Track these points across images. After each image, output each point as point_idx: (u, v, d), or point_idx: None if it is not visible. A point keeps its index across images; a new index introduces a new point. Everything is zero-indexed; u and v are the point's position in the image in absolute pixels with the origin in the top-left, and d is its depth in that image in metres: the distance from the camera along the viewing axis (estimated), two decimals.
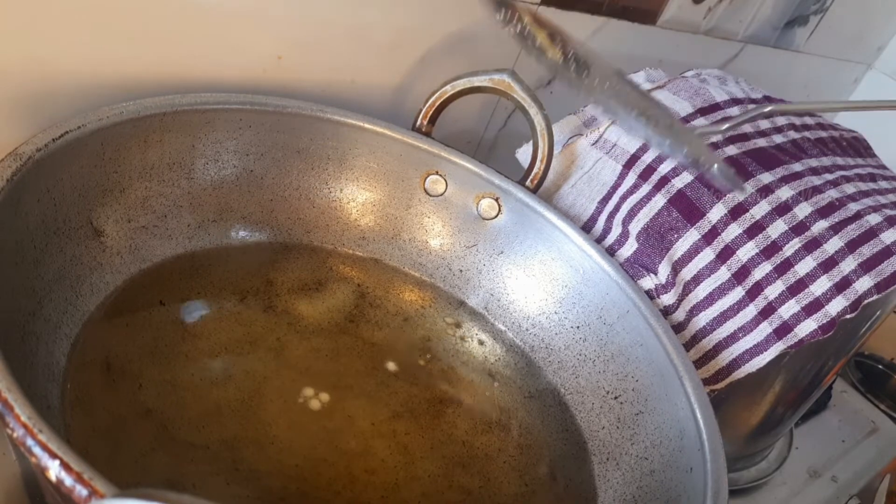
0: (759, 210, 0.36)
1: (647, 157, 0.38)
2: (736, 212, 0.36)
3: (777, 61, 0.70)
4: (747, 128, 0.40)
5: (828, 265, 0.36)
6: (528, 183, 0.39)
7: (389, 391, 0.34)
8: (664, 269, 0.37)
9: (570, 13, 0.48)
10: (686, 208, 0.37)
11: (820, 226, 0.36)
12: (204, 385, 0.30)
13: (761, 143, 0.40)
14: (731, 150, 0.38)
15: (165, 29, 0.34)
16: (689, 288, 0.37)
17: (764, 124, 0.41)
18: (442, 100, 0.39)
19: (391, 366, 0.35)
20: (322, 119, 0.38)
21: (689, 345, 0.37)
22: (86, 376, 0.28)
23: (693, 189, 0.37)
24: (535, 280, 0.40)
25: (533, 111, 0.38)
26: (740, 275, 0.36)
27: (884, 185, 0.43)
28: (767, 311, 0.36)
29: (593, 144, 0.40)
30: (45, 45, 0.31)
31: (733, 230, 0.36)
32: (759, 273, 0.36)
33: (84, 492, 0.18)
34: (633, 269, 0.38)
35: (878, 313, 0.41)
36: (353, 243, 0.40)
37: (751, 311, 0.36)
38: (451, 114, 0.40)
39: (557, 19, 0.48)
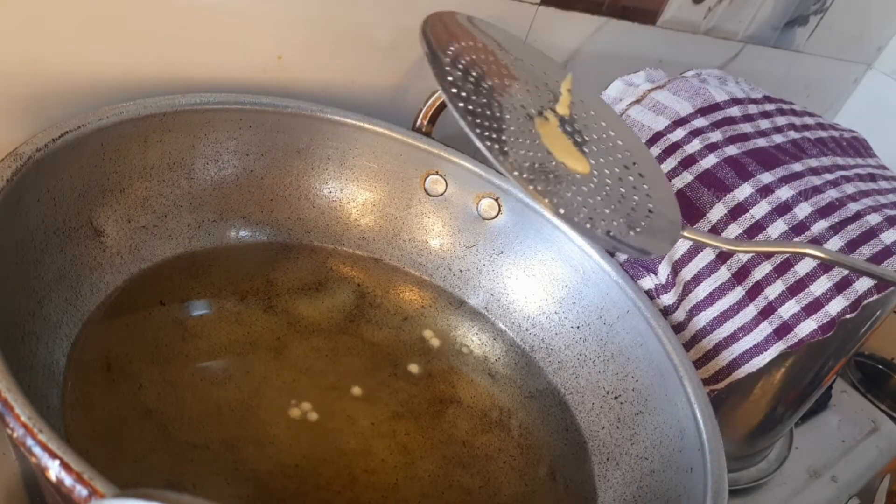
0: (759, 210, 0.36)
1: None
2: (736, 212, 0.36)
3: (777, 61, 0.70)
4: (747, 127, 0.40)
5: (828, 265, 0.36)
6: None
7: (389, 391, 0.34)
8: (664, 269, 0.37)
9: (569, 13, 0.48)
10: (686, 208, 0.37)
11: (820, 226, 0.36)
12: (204, 385, 0.30)
13: (761, 142, 0.40)
14: (732, 149, 0.38)
15: (165, 29, 0.34)
16: (689, 288, 0.37)
17: (764, 124, 0.41)
18: (442, 100, 0.39)
19: (390, 366, 0.35)
20: (322, 119, 0.38)
21: (689, 345, 0.37)
22: (86, 376, 0.28)
23: (693, 189, 0.37)
24: (535, 280, 0.40)
25: None
26: (740, 275, 0.36)
27: (884, 185, 0.43)
28: (767, 311, 0.36)
29: None
30: (45, 45, 0.31)
31: (733, 230, 0.36)
32: (759, 273, 0.36)
33: (84, 492, 0.18)
34: (633, 269, 0.38)
35: (877, 313, 0.41)
36: (353, 243, 0.40)
37: (751, 311, 0.36)
38: (452, 113, 0.40)
39: (557, 19, 0.48)
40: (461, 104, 0.26)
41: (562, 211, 0.26)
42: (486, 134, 0.27)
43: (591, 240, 0.26)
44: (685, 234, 0.29)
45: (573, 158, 0.29)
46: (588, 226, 0.27)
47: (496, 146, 0.26)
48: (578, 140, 0.30)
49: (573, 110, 0.32)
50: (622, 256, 0.39)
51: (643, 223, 0.28)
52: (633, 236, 0.28)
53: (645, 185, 0.30)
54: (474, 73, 0.29)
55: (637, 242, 0.27)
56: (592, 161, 0.30)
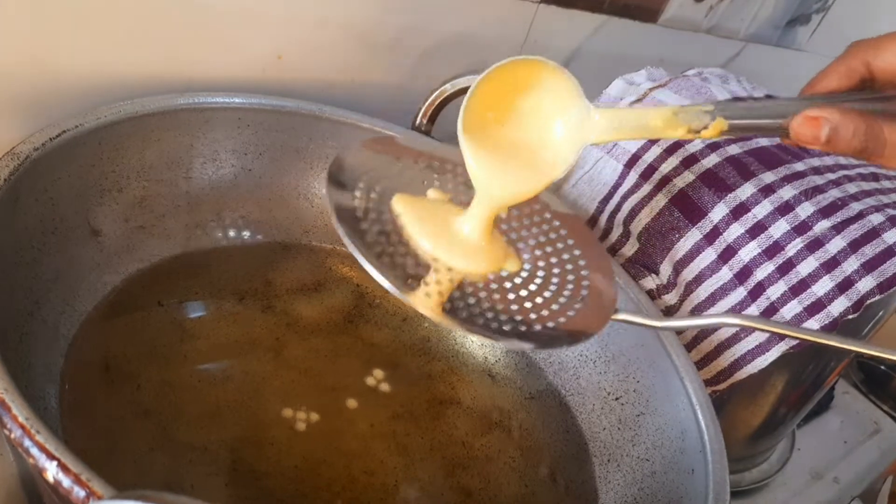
0: (762, 210, 0.36)
1: (649, 157, 0.38)
2: (738, 211, 0.36)
3: (779, 60, 0.70)
4: None
5: (830, 265, 0.35)
6: None
7: (389, 392, 0.34)
8: (666, 269, 0.37)
9: (570, 11, 0.48)
10: (687, 208, 0.37)
11: (822, 225, 0.36)
12: (202, 386, 0.30)
13: (763, 141, 0.39)
14: (733, 148, 0.38)
15: (165, 28, 0.34)
16: (690, 288, 0.37)
17: None
18: (441, 98, 0.39)
19: (390, 366, 0.35)
20: (321, 118, 0.37)
21: (690, 345, 0.37)
22: (84, 377, 0.28)
23: (694, 189, 0.37)
24: None
25: None
26: (742, 275, 0.36)
27: (886, 184, 0.43)
28: (769, 312, 0.36)
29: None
30: (44, 44, 0.31)
31: (735, 230, 0.36)
32: (761, 273, 0.36)
33: (82, 493, 0.18)
34: (635, 269, 0.38)
35: (880, 314, 0.40)
36: None
37: (752, 311, 0.36)
38: (451, 113, 0.40)
39: (558, 18, 0.48)
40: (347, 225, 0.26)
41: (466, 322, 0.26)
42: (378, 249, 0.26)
43: (500, 341, 0.26)
44: (615, 317, 0.29)
45: (505, 257, 0.30)
46: (505, 328, 0.26)
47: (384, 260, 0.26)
48: (514, 237, 0.31)
49: (512, 207, 0.32)
50: (624, 257, 0.39)
51: (574, 309, 0.29)
52: (556, 325, 0.28)
53: (583, 272, 0.31)
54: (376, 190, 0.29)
55: (559, 331, 0.27)
56: (526, 255, 0.30)
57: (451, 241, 0.28)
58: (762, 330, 0.28)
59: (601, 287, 0.30)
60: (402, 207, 0.28)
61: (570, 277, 0.30)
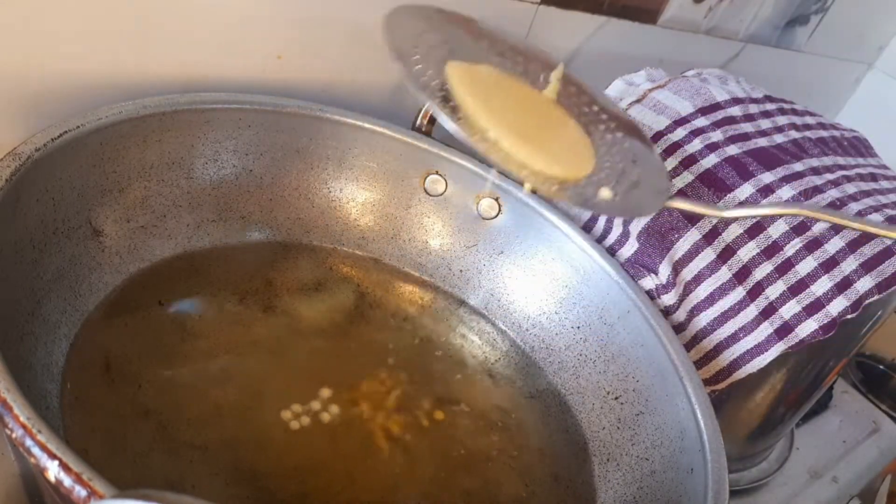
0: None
1: None
2: None
3: (778, 61, 0.70)
4: (748, 127, 0.40)
5: (829, 265, 0.36)
6: None
7: (389, 392, 0.34)
8: (665, 269, 0.37)
9: (570, 12, 0.48)
10: None
11: (821, 226, 0.36)
12: (203, 385, 0.30)
13: (762, 142, 0.40)
14: (732, 149, 0.38)
15: (165, 29, 0.34)
16: (689, 288, 0.37)
17: (765, 124, 0.41)
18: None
19: (391, 366, 0.35)
20: (321, 119, 0.37)
21: (689, 345, 0.37)
22: (85, 376, 0.28)
23: (694, 188, 0.37)
24: (536, 280, 0.40)
25: None
26: (741, 275, 0.36)
27: (885, 184, 0.43)
28: (768, 312, 0.36)
29: None
30: (45, 45, 0.31)
31: (734, 230, 0.36)
32: (759, 273, 0.36)
33: (83, 492, 0.18)
34: (634, 269, 0.38)
35: (879, 313, 0.40)
36: (352, 243, 0.40)
37: (752, 311, 0.36)
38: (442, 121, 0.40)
39: (558, 18, 0.48)
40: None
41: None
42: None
43: (579, 206, 0.28)
44: (669, 203, 0.30)
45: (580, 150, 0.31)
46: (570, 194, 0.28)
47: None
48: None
49: (560, 98, 0.33)
50: (623, 257, 0.39)
51: (632, 191, 0.30)
52: (618, 201, 0.29)
53: (634, 160, 0.32)
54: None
55: (623, 206, 0.29)
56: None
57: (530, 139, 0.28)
58: (824, 219, 0.30)
59: (654, 176, 0.31)
60: (461, 81, 0.29)
61: (620, 166, 0.31)
